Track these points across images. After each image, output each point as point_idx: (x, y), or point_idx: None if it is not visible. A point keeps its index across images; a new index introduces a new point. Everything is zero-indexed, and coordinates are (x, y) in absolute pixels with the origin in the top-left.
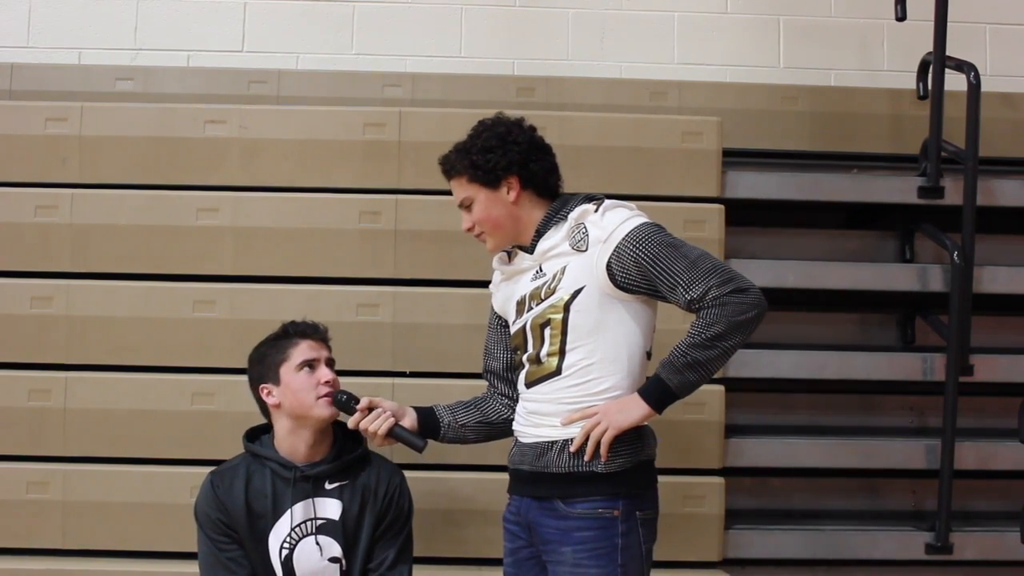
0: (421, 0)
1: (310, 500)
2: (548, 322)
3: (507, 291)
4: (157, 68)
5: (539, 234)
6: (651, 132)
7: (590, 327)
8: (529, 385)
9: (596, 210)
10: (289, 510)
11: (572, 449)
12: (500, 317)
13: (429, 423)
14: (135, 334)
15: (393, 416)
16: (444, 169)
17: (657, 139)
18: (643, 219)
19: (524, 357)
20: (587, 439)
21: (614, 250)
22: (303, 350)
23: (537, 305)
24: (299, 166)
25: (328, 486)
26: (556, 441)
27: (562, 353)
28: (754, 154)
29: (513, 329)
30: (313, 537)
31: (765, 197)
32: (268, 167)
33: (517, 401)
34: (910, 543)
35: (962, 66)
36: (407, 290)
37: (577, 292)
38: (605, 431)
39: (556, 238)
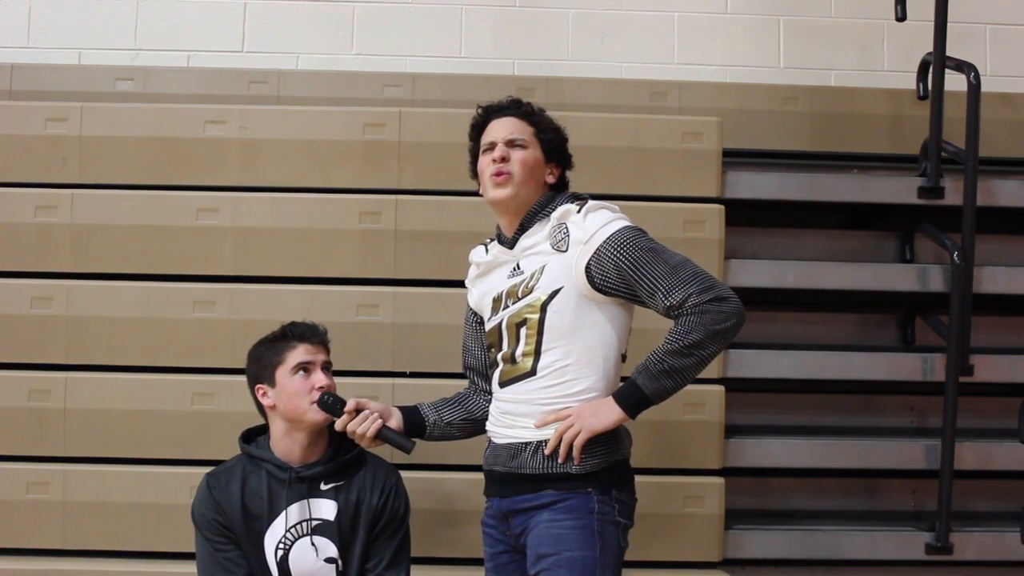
0: (421, 0)
1: (305, 501)
2: (524, 321)
3: (483, 287)
4: (157, 68)
5: (523, 228)
6: (651, 132)
7: (566, 328)
8: (503, 384)
9: (578, 211)
10: (284, 511)
11: (547, 452)
12: (476, 314)
13: (414, 423)
14: (135, 334)
15: (380, 417)
16: (515, 106)
17: (657, 139)
18: (625, 222)
19: (499, 356)
20: (560, 441)
21: (594, 253)
22: (299, 353)
23: (513, 303)
24: (299, 166)
25: (323, 487)
26: (530, 442)
27: (537, 354)
28: (754, 154)
29: (488, 326)
30: (309, 538)
31: (765, 197)
32: (268, 167)
33: (484, 398)
34: (910, 543)
35: (962, 66)
36: (407, 290)
37: (555, 293)
38: (578, 434)
39: (537, 236)
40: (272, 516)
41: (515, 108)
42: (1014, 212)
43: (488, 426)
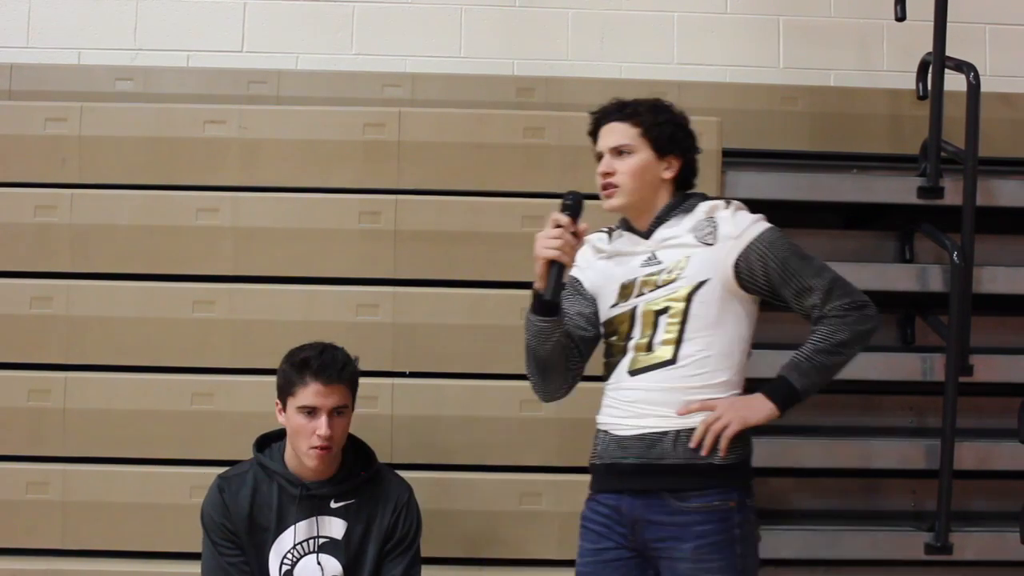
0: (421, 0)
1: (314, 519)
2: (666, 310)
3: (605, 270)
4: (157, 68)
5: (659, 221)
6: None
7: (710, 320)
8: (633, 373)
9: (726, 206)
10: (293, 527)
11: (692, 444)
12: (581, 291)
13: (557, 305)
14: (135, 334)
15: (572, 256)
16: (618, 110)
17: None
18: (769, 224)
19: (631, 344)
20: (706, 432)
21: (744, 249)
22: (308, 394)
23: (651, 292)
24: (299, 166)
25: (334, 505)
26: (668, 431)
27: (679, 342)
28: (754, 154)
29: (615, 312)
30: (315, 555)
31: (765, 197)
32: (268, 167)
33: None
34: (910, 543)
35: (962, 66)
36: (407, 290)
37: (700, 284)
38: (726, 425)
39: (677, 228)
40: (280, 530)
41: (617, 112)
42: (1014, 212)
43: (604, 418)
